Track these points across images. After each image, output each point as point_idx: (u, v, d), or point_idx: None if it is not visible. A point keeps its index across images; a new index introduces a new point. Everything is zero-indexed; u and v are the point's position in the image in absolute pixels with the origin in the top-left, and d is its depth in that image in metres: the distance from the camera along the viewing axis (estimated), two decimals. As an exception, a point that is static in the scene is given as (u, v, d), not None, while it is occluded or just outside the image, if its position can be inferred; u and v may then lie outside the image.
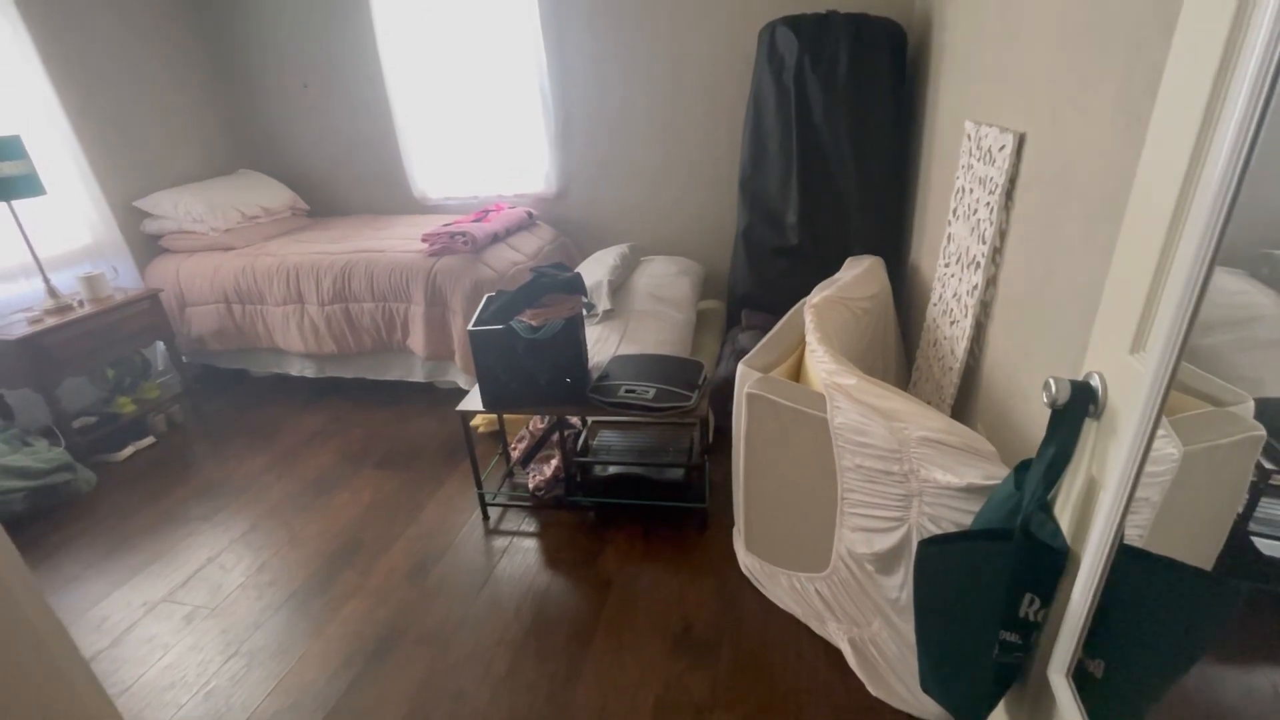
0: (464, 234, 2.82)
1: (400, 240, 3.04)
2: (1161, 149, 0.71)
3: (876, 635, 1.46)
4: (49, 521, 2.32)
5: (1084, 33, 1.11)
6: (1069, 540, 0.89)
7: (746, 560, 1.83)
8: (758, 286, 2.74)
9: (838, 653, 1.57)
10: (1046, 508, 0.91)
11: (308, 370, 3.11)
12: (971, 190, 1.67)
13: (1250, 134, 0.57)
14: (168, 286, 3.08)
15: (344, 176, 3.76)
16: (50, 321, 2.48)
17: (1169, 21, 0.70)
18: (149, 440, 2.82)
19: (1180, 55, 0.69)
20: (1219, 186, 0.60)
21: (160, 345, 3.10)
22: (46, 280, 2.60)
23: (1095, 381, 0.82)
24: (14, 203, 2.45)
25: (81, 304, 2.65)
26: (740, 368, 1.62)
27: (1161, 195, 0.71)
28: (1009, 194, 1.44)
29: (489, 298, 2.10)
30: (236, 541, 2.15)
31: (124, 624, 1.84)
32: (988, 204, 1.52)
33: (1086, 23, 1.10)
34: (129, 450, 2.73)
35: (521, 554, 2.00)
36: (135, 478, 2.57)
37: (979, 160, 1.62)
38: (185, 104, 3.46)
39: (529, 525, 2.13)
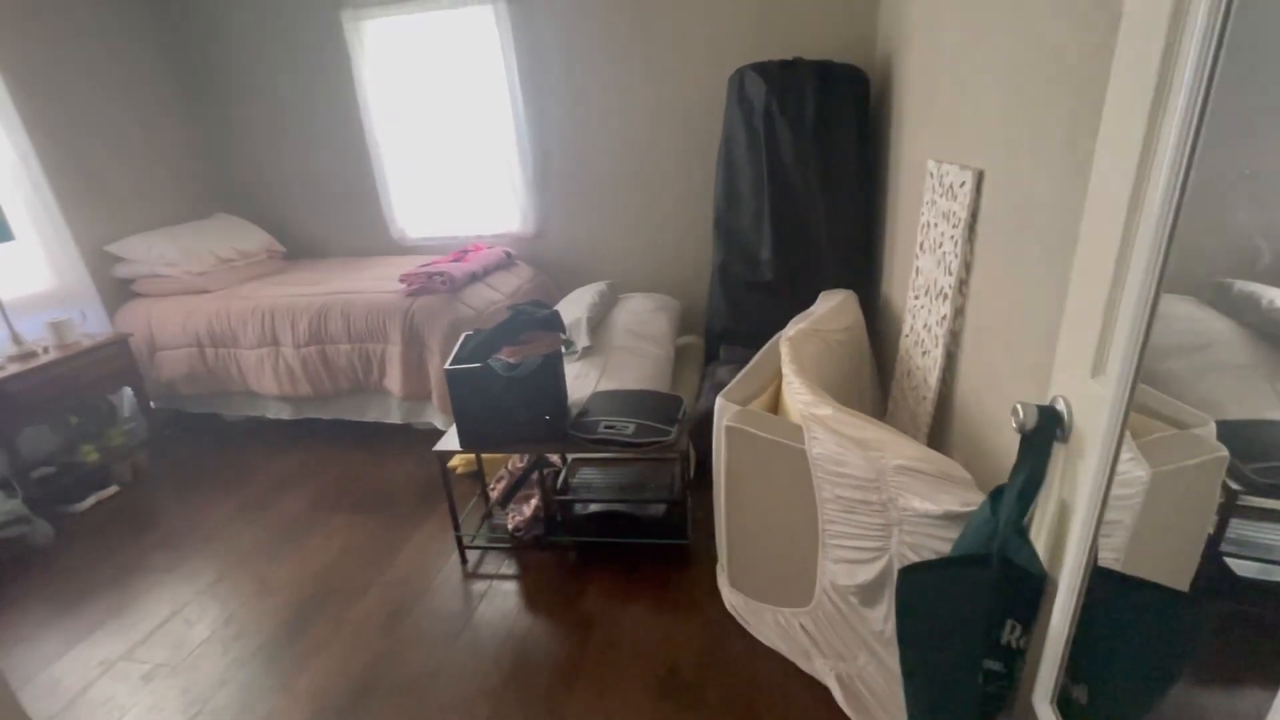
0: (442, 274, 2.82)
1: (378, 281, 3.04)
2: (1106, 179, 0.75)
3: (863, 670, 1.43)
4: (1, 577, 2.21)
5: (1030, 78, 1.17)
6: (1046, 564, 0.89)
7: (731, 597, 1.80)
8: (734, 321, 2.78)
9: (826, 691, 1.54)
10: (1022, 532, 0.91)
11: (284, 413, 3.05)
12: (936, 225, 1.72)
13: (1182, 173, 0.61)
14: (138, 331, 3.02)
15: (322, 219, 3.77)
16: (13, 369, 2.41)
17: (1105, 68, 0.75)
18: (113, 489, 2.72)
19: (1114, 106, 0.73)
20: (1159, 217, 0.64)
21: (128, 391, 3.02)
22: (10, 326, 2.54)
23: (1061, 406, 0.84)
24: (-21, 248, 2.42)
25: (46, 350, 2.59)
26: (719, 401, 1.63)
27: (1108, 227, 0.74)
28: (971, 228, 1.49)
29: (467, 336, 2.09)
30: (202, 593, 2.06)
31: (79, 685, 1.74)
32: (952, 238, 1.58)
33: (1032, 68, 1.17)
34: (91, 500, 2.62)
35: (501, 597, 1.95)
36: (96, 529, 2.47)
37: (942, 196, 1.68)
38: (161, 149, 3.46)
39: (509, 567, 2.08)
